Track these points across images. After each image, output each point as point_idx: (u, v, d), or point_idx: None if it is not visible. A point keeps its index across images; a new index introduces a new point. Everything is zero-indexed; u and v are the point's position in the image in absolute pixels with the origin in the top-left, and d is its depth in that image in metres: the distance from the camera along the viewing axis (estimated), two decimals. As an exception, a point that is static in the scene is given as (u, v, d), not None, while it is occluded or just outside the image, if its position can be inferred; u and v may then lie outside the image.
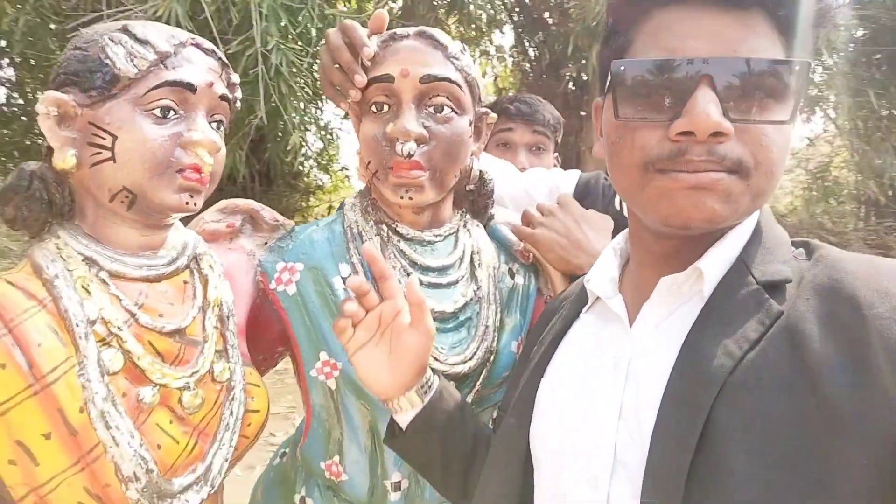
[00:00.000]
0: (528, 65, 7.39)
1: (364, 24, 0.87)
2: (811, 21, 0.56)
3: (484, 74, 7.31)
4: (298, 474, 1.01)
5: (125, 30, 0.72)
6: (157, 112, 0.72)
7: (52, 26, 4.74)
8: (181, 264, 0.81)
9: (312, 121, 6.36)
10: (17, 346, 0.66)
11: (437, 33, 0.86)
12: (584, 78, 6.52)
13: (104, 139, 0.71)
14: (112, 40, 0.71)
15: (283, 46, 3.89)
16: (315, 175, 9.95)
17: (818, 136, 7.38)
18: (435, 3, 4.49)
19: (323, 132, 7.26)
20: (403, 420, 0.79)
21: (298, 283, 0.91)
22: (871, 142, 5.66)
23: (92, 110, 0.71)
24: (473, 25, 6.12)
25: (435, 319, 0.92)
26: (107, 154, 0.71)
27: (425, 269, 0.93)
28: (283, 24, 3.88)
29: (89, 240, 0.75)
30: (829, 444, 0.47)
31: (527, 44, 7.20)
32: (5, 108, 6.61)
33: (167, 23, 3.54)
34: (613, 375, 0.61)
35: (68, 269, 0.71)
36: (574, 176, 1.35)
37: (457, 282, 0.95)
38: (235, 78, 0.81)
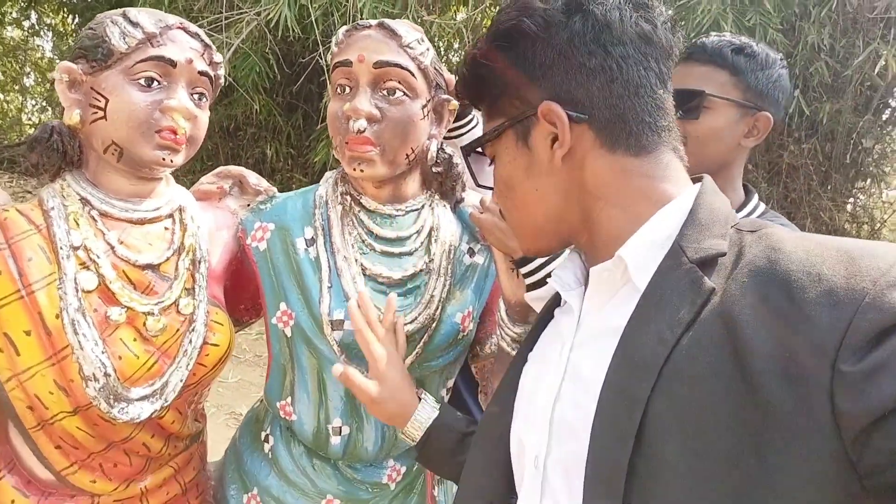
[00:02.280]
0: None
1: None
2: None
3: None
4: (266, 414, 1.14)
5: (123, 14, 0.88)
6: (143, 81, 0.87)
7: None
8: (163, 213, 0.96)
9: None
10: (13, 258, 0.84)
11: (395, 24, 0.95)
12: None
13: (99, 101, 0.87)
14: (112, 22, 0.88)
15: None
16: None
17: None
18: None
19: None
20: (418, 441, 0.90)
21: (269, 241, 1.04)
22: None
23: (93, 77, 0.88)
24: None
25: (384, 284, 1.01)
26: (100, 113, 0.87)
27: (380, 239, 1.02)
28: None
29: (88, 184, 0.92)
30: (764, 436, 0.46)
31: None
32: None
33: (276, 26, 3.86)
34: (558, 361, 0.64)
35: (64, 204, 0.89)
36: None
37: (410, 253, 1.03)
38: (218, 58, 0.95)
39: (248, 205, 1.09)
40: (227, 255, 1.06)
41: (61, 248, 0.85)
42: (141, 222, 0.94)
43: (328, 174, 1.10)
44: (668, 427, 0.50)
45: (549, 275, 0.91)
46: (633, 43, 0.61)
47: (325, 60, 4.20)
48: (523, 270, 0.93)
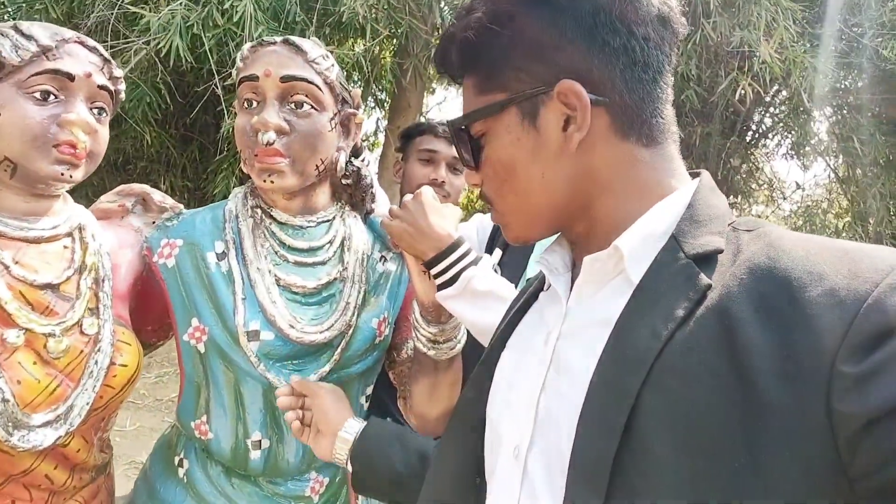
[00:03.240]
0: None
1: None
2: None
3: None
4: (179, 438, 1.10)
5: (14, 26, 0.86)
6: (38, 95, 0.85)
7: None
8: (61, 231, 0.92)
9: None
10: None
11: (300, 41, 0.99)
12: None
13: (-10, 115, 0.84)
14: (2, 35, 0.85)
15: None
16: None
17: (818, 182, 7.55)
18: (429, 42, 4.73)
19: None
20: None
21: (177, 257, 1.02)
22: (859, 186, 5.79)
23: None
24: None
25: (298, 294, 1.02)
26: (-9, 128, 0.84)
27: (293, 250, 1.04)
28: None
29: (-22, 203, 0.87)
30: (754, 433, 0.46)
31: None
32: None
33: (166, 55, 3.75)
34: (543, 350, 0.62)
35: (-47, 224, 0.84)
36: None
37: (324, 262, 1.05)
38: (118, 72, 0.94)
39: (153, 222, 1.07)
40: (132, 274, 1.03)
41: (-50, 269, 0.80)
42: (37, 241, 0.90)
43: (236, 189, 1.10)
44: (658, 422, 0.48)
45: (458, 274, 0.97)
46: (653, 24, 0.58)
47: (221, 90, 4.13)
48: (433, 271, 0.98)
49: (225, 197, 1.11)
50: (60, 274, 0.90)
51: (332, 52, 1.03)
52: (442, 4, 4.75)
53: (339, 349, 1.03)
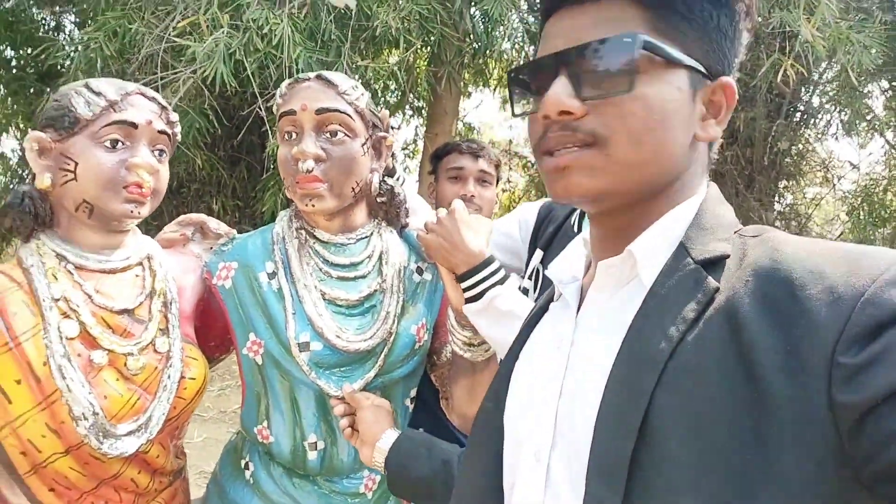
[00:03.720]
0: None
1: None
2: None
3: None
4: (244, 443, 1.21)
5: (85, 84, 0.98)
6: (108, 143, 0.97)
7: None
8: (133, 261, 1.04)
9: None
10: (0, 314, 0.91)
11: (331, 75, 1.08)
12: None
13: (69, 165, 0.96)
14: (76, 93, 0.97)
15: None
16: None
17: (876, 160, 7.24)
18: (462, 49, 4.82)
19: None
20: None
21: (233, 278, 1.13)
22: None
23: (62, 144, 0.97)
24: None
25: (342, 306, 1.12)
26: (71, 175, 0.96)
27: (336, 266, 1.13)
28: (316, 76, 4.26)
29: (62, 241, 1.00)
30: (763, 427, 0.47)
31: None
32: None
33: (212, 82, 3.94)
34: (557, 356, 0.64)
35: (42, 261, 0.96)
36: (540, 202, 1.55)
37: (364, 276, 1.14)
38: (174, 117, 1.06)
39: (211, 248, 1.18)
40: (195, 296, 1.14)
41: (43, 300, 0.93)
42: (113, 272, 1.02)
43: (282, 213, 1.20)
44: (672, 419, 0.50)
45: (485, 291, 1.04)
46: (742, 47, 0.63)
47: (264, 112, 4.32)
48: (463, 285, 1.05)
49: (273, 214, 1.22)
50: (134, 300, 1.02)
51: (368, 66, 1.12)
52: (473, 10, 4.83)
53: (382, 356, 1.11)
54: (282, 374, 1.10)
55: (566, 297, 0.67)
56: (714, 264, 0.56)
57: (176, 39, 4.23)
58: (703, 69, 0.59)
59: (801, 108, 6.53)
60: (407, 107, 6.50)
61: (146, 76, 4.37)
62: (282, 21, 3.90)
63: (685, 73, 0.58)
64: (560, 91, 0.57)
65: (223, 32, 4.09)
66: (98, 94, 0.97)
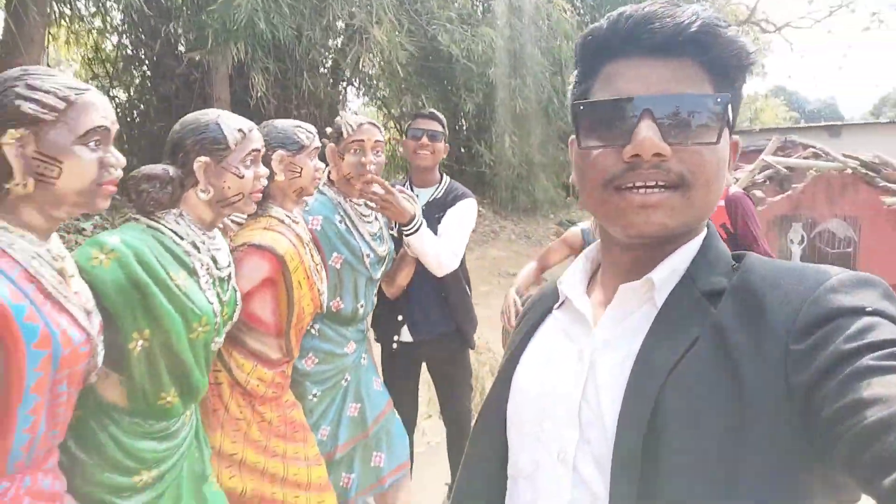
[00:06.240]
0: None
1: None
2: (734, 62, 0.66)
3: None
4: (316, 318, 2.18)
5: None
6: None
7: None
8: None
9: None
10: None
11: (378, 123, 2.19)
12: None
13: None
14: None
15: None
16: None
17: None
18: None
19: None
20: None
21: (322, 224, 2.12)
22: None
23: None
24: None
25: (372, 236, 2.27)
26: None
27: (363, 216, 2.25)
28: None
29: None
30: (743, 414, 0.56)
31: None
32: None
33: None
34: (579, 365, 0.70)
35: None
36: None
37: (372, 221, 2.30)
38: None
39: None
40: (299, 235, 2.08)
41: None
42: (299, 222, 1.93)
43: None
44: (674, 416, 0.58)
45: (416, 230, 2.34)
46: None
47: None
48: (405, 229, 2.28)
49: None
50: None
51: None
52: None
53: (388, 258, 2.32)
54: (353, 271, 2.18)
55: (581, 310, 0.75)
56: (715, 294, 0.65)
57: None
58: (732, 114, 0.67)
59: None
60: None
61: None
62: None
63: (727, 130, 0.67)
64: (653, 134, 0.62)
65: None
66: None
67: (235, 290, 1.60)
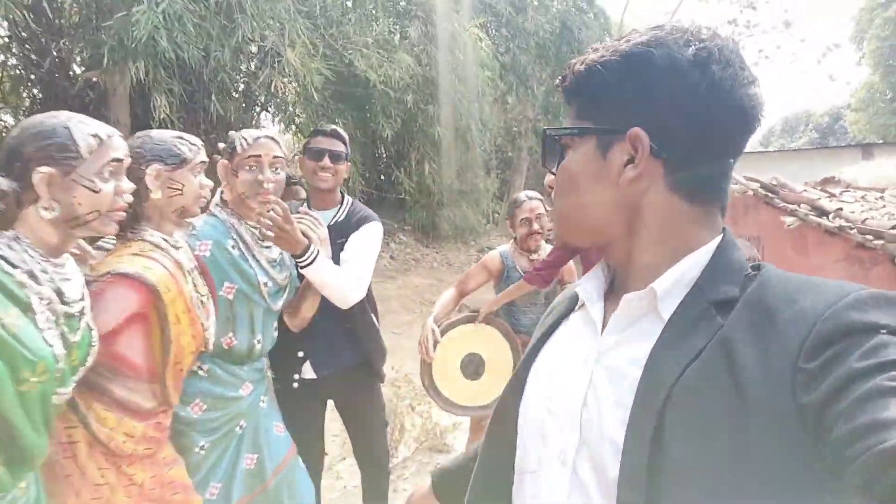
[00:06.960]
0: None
1: None
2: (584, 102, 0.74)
3: None
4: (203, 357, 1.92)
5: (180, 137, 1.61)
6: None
7: None
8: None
9: None
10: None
11: (278, 137, 1.97)
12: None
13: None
14: (181, 139, 1.60)
15: None
16: None
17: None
18: None
19: None
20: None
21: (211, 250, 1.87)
22: None
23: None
24: None
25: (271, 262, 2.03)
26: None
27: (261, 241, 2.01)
28: None
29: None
30: (748, 430, 0.55)
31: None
32: None
33: None
34: (583, 369, 0.72)
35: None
36: None
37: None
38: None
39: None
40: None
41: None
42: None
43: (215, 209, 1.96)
44: (677, 431, 0.59)
45: (311, 261, 2.14)
46: (732, 112, 0.67)
47: None
48: (299, 260, 2.07)
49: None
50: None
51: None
52: None
53: (290, 285, 2.08)
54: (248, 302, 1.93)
55: (591, 314, 0.76)
56: (723, 304, 0.64)
57: None
58: (605, 128, 0.71)
59: None
60: None
61: None
62: None
63: (593, 140, 0.72)
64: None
65: None
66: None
67: (91, 329, 1.33)
